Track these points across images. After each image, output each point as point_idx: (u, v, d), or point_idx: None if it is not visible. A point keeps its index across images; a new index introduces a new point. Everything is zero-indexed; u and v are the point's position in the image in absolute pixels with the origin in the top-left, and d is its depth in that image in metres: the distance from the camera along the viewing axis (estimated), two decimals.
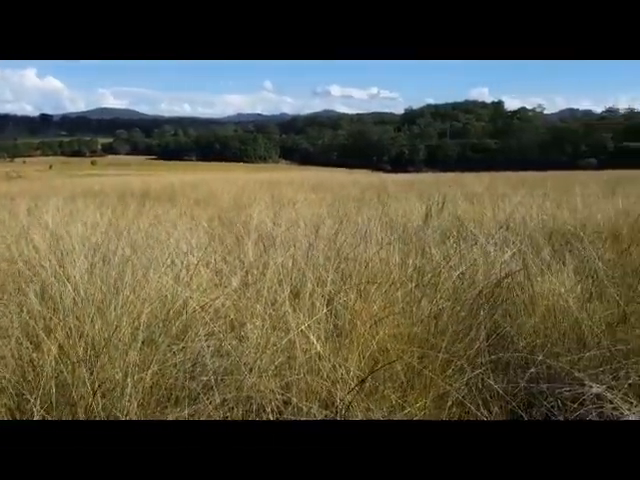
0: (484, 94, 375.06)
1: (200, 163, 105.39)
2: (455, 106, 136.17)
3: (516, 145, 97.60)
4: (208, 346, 2.51)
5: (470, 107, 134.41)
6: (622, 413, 2.07)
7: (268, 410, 2.15)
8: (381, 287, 2.84)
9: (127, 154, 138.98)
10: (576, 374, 2.29)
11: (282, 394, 2.21)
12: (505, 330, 2.80)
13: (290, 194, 11.85)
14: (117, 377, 2.27)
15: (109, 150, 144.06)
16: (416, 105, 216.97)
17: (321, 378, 2.24)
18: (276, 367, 2.30)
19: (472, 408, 2.20)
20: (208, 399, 2.21)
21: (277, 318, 2.55)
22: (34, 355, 2.36)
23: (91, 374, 2.23)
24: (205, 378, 2.31)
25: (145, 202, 9.62)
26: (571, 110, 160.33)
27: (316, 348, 2.27)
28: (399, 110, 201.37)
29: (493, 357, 2.54)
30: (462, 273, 3.09)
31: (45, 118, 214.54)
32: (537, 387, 2.35)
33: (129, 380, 2.23)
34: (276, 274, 2.88)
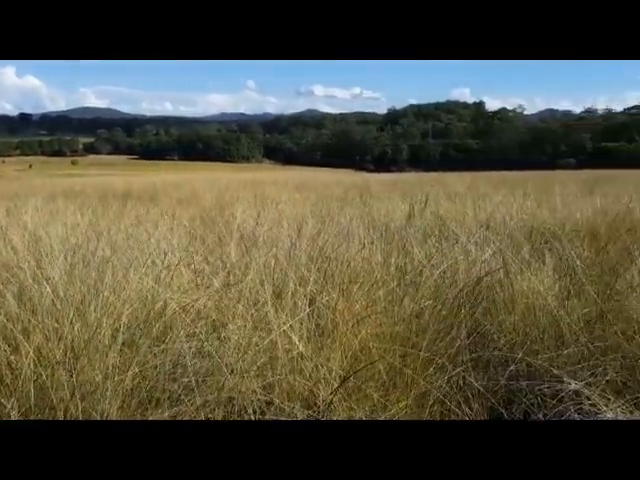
0: (466, 94, 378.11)
1: (182, 163, 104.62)
2: (437, 106, 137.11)
3: (497, 145, 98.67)
4: (190, 347, 2.50)
5: (452, 107, 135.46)
6: (600, 409, 2.10)
7: (250, 411, 2.14)
8: (363, 286, 2.85)
9: (109, 154, 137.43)
10: (555, 371, 2.32)
11: (264, 395, 2.21)
12: (486, 328, 2.83)
13: (274, 194, 11.83)
14: (97, 379, 2.24)
15: (90, 150, 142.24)
16: (399, 105, 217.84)
17: (303, 378, 2.24)
18: (258, 368, 2.30)
19: (452, 407, 2.22)
20: (189, 401, 2.20)
21: (259, 318, 2.55)
22: (12, 358, 2.32)
23: (70, 377, 2.20)
24: (186, 379, 2.30)
25: (127, 202, 9.52)
26: (551, 111, 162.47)
27: (298, 348, 2.27)
28: (382, 110, 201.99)
29: (474, 355, 2.56)
30: (443, 272, 3.12)
31: (24, 117, 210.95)
32: (517, 384, 2.37)
33: (109, 382, 2.21)
34: (258, 274, 2.87)
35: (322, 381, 2.21)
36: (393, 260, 3.32)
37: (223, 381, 2.21)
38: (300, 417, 2.13)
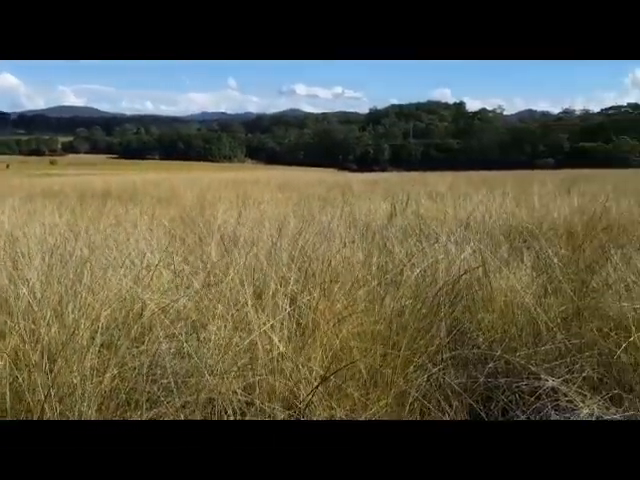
0: (446, 95, 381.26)
1: (163, 162, 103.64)
2: (419, 106, 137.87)
3: (477, 145, 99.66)
4: (169, 348, 2.48)
5: (433, 107, 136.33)
6: (576, 406, 2.14)
7: (230, 412, 2.13)
8: (344, 286, 2.86)
9: (88, 153, 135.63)
10: (532, 368, 2.36)
11: (245, 396, 2.20)
12: (465, 326, 2.86)
13: (255, 193, 11.79)
14: (75, 381, 2.21)
15: (69, 149, 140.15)
16: (380, 105, 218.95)
17: (284, 378, 2.23)
18: (239, 368, 2.28)
19: (432, 405, 2.23)
20: (169, 402, 2.18)
21: (240, 319, 2.53)
22: None
23: (47, 379, 2.16)
24: (166, 381, 2.28)
25: (106, 202, 9.41)
26: (530, 111, 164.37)
27: (279, 348, 2.26)
28: (364, 110, 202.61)
29: (454, 353, 2.59)
30: (424, 270, 3.14)
31: (1, 116, 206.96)
32: (495, 382, 2.40)
33: (87, 384, 2.18)
34: (239, 274, 2.86)
35: (303, 381, 2.21)
36: (374, 259, 3.34)
37: (203, 382, 2.19)
38: (280, 418, 2.13)
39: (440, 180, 16.53)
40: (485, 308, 2.92)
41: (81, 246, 3.94)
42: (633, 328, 2.48)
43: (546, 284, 2.96)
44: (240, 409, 2.16)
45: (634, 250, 3.57)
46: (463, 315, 2.91)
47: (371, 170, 69.85)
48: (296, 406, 2.16)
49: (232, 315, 2.54)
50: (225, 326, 2.46)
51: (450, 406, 2.29)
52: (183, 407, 2.17)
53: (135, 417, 2.17)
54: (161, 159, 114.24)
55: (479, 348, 2.63)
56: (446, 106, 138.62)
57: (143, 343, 2.47)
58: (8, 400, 2.12)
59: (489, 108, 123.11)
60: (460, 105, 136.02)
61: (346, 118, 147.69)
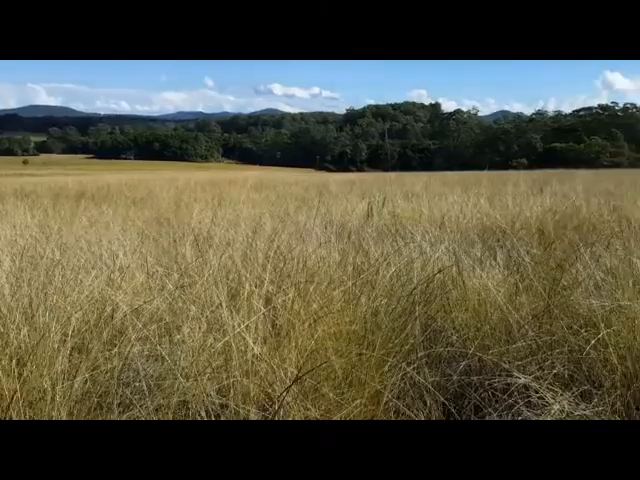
0: (422, 96, 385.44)
1: (139, 162, 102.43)
2: (395, 107, 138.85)
3: (453, 146, 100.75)
4: (143, 351, 2.45)
5: (409, 108, 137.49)
6: (547, 402, 2.17)
7: (203, 414, 2.12)
8: (320, 286, 2.86)
9: (62, 153, 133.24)
10: (505, 366, 2.39)
11: (219, 398, 2.18)
12: (439, 325, 2.88)
13: (232, 194, 11.71)
14: (45, 386, 2.17)
15: (43, 149, 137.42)
16: (357, 105, 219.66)
17: (259, 379, 2.22)
18: (213, 370, 2.27)
19: (407, 403, 2.25)
20: (143, 405, 2.15)
21: (214, 320, 2.52)
22: None
23: (17, 384, 2.12)
24: (139, 384, 2.25)
25: (79, 203, 9.25)
26: (503, 112, 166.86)
27: (253, 350, 2.25)
28: (341, 110, 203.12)
29: (428, 352, 2.61)
30: (399, 269, 3.16)
31: None
32: (468, 379, 2.43)
33: (58, 388, 2.14)
34: (213, 275, 2.84)
35: (277, 382, 2.21)
36: (350, 259, 3.35)
37: (177, 385, 2.17)
38: (254, 419, 2.12)
39: (416, 180, 16.66)
40: (459, 307, 2.95)
41: (53, 248, 3.87)
42: (602, 325, 2.53)
43: (518, 282, 3.01)
44: (213, 411, 2.14)
45: (603, 248, 3.65)
46: (438, 314, 2.93)
47: (348, 170, 70.14)
48: (271, 407, 2.15)
49: (206, 317, 2.52)
50: (199, 328, 2.44)
51: (424, 404, 2.31)
52: (156, 410, 2.14)
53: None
54: (137, 159, 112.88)
55: (453, 346, 2.66)
56: (422, 107, 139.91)
57: (116, 346, 2.44)
58: None
59: (464, 109, 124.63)
60: (436, 106, 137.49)
61: (323, 118, 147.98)
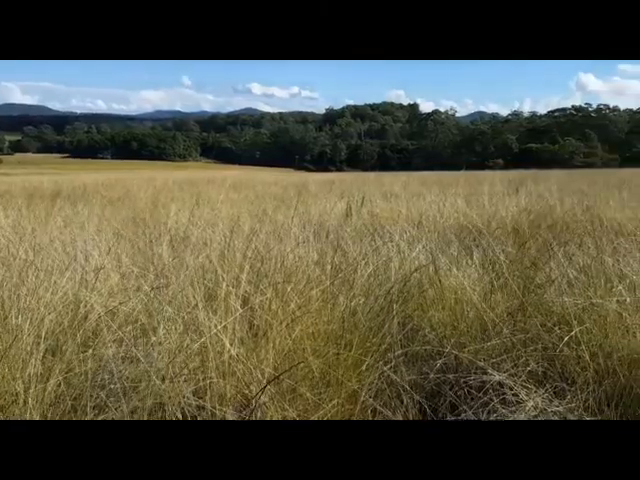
0: (401, 96, 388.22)
1: (115, 161, 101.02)
2: (374, 107, 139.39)
3: (431, 146, 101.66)
4: (118, 352, 2.42)
5: (388, 108, 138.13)
6: (521, 399, 2.21)
7: (179, 416, 2.10)
8: (298, 285, 2.85)
9: (37, 152, 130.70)
10: (480, 363, 2.42)
11: (196, 399, 2.17)
12: (417, 323, 2.90)
13: (210, 193, 11.63)
14: (17, 389, 2.13)
15: (17, 148, 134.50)
16: (337, 105, 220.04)
17: (236, 380, 2.21)
18: (189, 372, 2.25)
19: (384, 402, 2.26)
20: (118, 408, 2.13)
21: (191, 321, 2.50)
22: None
23: None
24: (114, 386, 2.22)
25: (55, 203, 9.09)
26: (480, 113, 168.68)
27: (230, 351, 2.24)
28: (320, 110, 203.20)
29: (405, 350, 2.62)
30: (377, 268, 3.18)
31: None
32: (444, 377, 2.45)
33: (31, 392, 2.10)
34: (190, 276, 2.82)
35: (255, 383, 2.20)
36: (329, 259, 3.35)
37: (152, 387, 2.15)
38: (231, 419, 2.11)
39: (395, 180, 16.77)
40: (436, 305, 2.98)
41: (26, 248, 3.80)
42: (575, 322, 2.58)
43: (493, 281, 3.05)
44: (190, 413, 2.12)
45: (576, 247, 3.72)
46: (415, 312, 2.96)
47: (327, 170, 70.24)
48: (248, 407, 2.14)
49: (183, 318, 2.50)
50: (175, 329, 2.42)
51: (402, 403, 2.33)
52: (132, 413, 2.12)
53: None
54: (114, 158, 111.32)
55: (429, 344, 2.68)
56: (400, 107, 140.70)
57: (90, 348, 2.40)
58: None
59: (442, 110, 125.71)
60: (414, 106, 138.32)
61: (303, 118, 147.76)
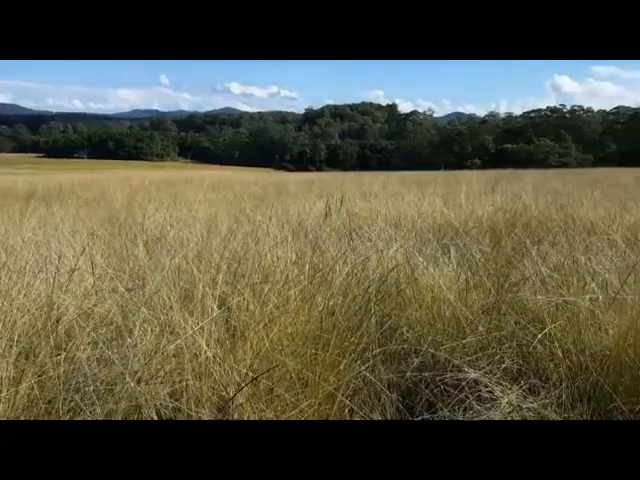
0: (379, 96, 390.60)
1: (92, 161, 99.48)
2: (353, 107, 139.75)
3: (410, 146, 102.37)
4: (94, 354, 2.38)
5: (367, 108, 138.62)
6: (496, 396, 2.24)
7: (156, 419, 2.08)
8: (276, 285, 2.85)
9: (11, 152, 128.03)
10: (456, 361, 2.45)
11: (172, 402, 2.15)
12: (394, 322, 2.92)
13: (188, 194, 11.53)
14: None
15: None
16: (316, 105, 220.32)
17: (213, 382, 2.20)
18: (166, 374, 2.23)
19: (361, 401, 2.27)
20: (93, 411, 2.10)
21: (167, 322, 2.47)
22: None
23: None
24: (90, 389, 2.19)
25: (29, 203, 8.91)
26: (457, 114, 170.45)
27: (206, 353, 2.22)
28: (300, 110, 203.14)
29: (383, 349, 2.64)
30: (355, 267, 3.19)
31: None
32: (421, 376, 2.47)
33: (3, 395, 2.06)
34: (166, 277, 2.79)
35: (232, 384, 2.19)
36: (308, 258, 3.35)
37: (128, 389, 2.12)
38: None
39: (374, 180, 16.84)
40: (412, 304, 3.00)
41: None
42: (548, 320, 2.63)
43: (469, 279, 3.09)
44: (167, 415, 2.11)
45: (549, 245, 3.79)
46: (392, 312, 2.98)
47: (307, 170, 70.28)
48: (224, 409, 2.13)
49: (159, 319, 2.48)
50: (152, 330, 2.40)
51: (379, 400, 2.34)
52: (107, 416, 2.09)
53: None
54: (90, 158, 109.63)
55: (406, 343, 2.70)
56: (379, 107, 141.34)
57: (65, 350, 2.36)
58: None
59: (420, 110, 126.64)
60: (393, 107, 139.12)
61: (282, 118, 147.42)
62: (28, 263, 3.35)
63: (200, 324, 2.32)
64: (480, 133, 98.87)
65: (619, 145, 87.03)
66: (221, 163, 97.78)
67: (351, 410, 2.26)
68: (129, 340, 2.36)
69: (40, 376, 2.19)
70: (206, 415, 2.08)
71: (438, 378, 2.39)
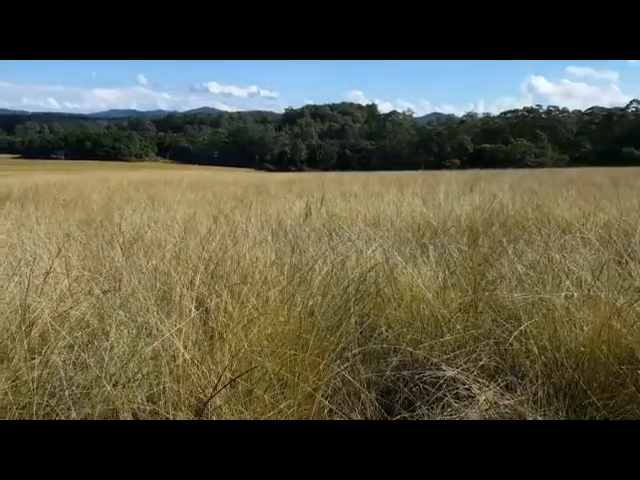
0: (359, 97, 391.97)
1: (69, 162, 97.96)
2: (333, 107, 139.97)
3: (390, 146, 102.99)
4: (69, 358, 2.35)
5: (347, 109, 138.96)
6: (474, 394, 2.26)
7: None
8: (255, 286, 2.84)
9: None
10: (434, 360, 2.47)
11: (150, 405, 2.12)
12: (374, 321, 2.94)
13: (167, 194, 11.42)
14: None
15: None
16: (296, 105, 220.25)
17: (191, 384, 2.18)
18: (143, 376, 2.20)
19: (341, 401, 2.27)
20: (69, 416, 2.07)
21: (144, 324, 2.45)
22: None
23: None
24: (65, 393, 2.15)
25: (4, 205, 8.74)
26: (436, 114, 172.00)
27: (184, 355, 2.21)
28: (280, 110, 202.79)
29: (363, 348, 2.65)
30: (334, 266, 3.19)
31: None
32: (400, 374, 2.49)
33: None
34: (144, 278, 2.76)
35: (210, 387, 2.17)
36: (288, 259, 3.35)
37: (104, 393, 2.09)
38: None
39: (354, 180, 16.89)
40: (391, 304, 3.02)
41: None
42: (524, 317, 2.67)
43: (447, 278, 3.11)
44: (144, 418, 2.08)
45: (525, 244, 3.84)
46: (372, 311, 2.99)
47: (288, 170, 70.22)
48: (202, 412, 2.12)
49: (136, 321, 2.45)
50: (128, 333, 2.37)
51: (359, 399, 2.35)
52: (85, 419, 2.06)
53: None
54: (67, 159, 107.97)
55: (385, 342, 2.71)
56: (359, 107, 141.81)
57: (40, 354, 2.32)
58: None
59: (400, 111, 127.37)
60: (372, 107, 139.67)
61: (262, 118, 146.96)
62: (2, 265, 3.29)
63: (178, 326, 2.30)
64: (459, 133, 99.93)
65: (594, 145, 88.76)
66: (200, 163, 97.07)
67: (331, 410, 2.26)
68: (105, 343, 2.33)
69: (14, 381, 2.15)
70: (185, 417, 2.06)
71: (417, 376, 2.41)
